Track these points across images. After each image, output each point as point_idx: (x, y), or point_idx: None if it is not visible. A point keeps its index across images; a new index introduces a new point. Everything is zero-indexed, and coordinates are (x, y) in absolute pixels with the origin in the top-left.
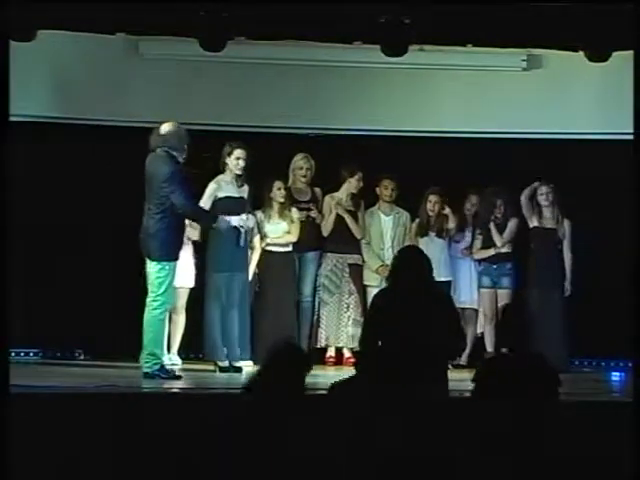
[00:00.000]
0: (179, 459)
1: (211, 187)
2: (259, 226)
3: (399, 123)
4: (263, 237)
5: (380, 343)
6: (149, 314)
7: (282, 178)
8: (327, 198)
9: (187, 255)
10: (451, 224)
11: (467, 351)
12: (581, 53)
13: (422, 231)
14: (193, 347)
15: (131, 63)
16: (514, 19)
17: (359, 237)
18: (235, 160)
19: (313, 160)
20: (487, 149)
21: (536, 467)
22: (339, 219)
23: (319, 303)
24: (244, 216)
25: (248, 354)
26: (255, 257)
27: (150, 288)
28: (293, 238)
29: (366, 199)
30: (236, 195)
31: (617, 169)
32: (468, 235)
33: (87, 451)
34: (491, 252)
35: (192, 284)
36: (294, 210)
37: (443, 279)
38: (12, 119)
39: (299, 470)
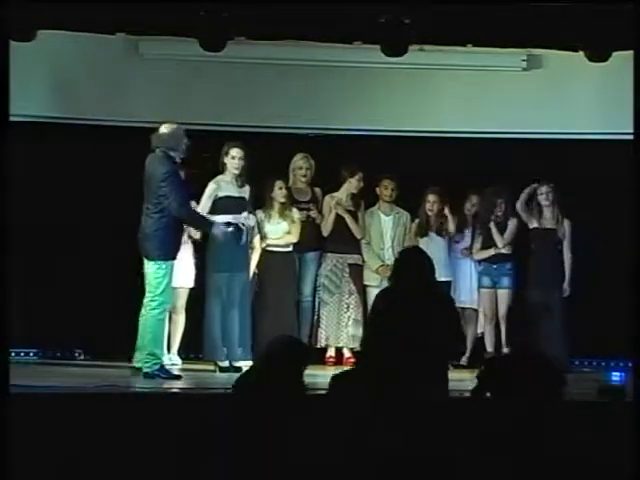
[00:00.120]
0: (179, 459)
1: (210, 187)
2: (259, 226)
3: (399, 123)
4: (263, 237)
5: (381, 343)
6: (148, 314)
7: (283, 178)
8: (327, 198)
9: (187, 255)
10: (451, 224)
11: (467, 351)
12: (581, 53)
13: (422, 231)
14: (193, 347)
15: (131, 63)
16: (514, 19)
17: (359, 237)
18: (232, 159)
19: (313, 160)
20: (487, 149)
21: (536, 467)
22: (339, 219)
23: (319, 303)
24: (245, 214)
25: (249, 354)
26: (255, 257)
27: (148, 288)
28: (294, 239)
29: (366, 199)
30: (236, 195)
31: (617, 169)
32: (468, 235)
33: (87, 451)
34: (491, 252)
35: (192, 284)
36: (294, 210)
37: (443, 279)
38: (12, 119)
39: (299, 470)
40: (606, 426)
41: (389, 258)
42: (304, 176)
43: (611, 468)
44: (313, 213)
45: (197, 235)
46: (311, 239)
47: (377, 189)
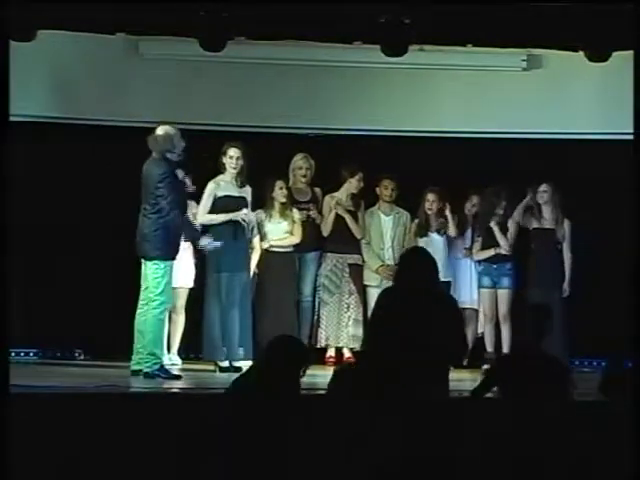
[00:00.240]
0: (179, 459)
1: (210, 187)
2: (259, 226)
3: (399, 123)
4: (263, 237)
5: (382, 342)
6: (148, 314)
7: (283, 178)
8: (327, 198)
9: (187, 255)
10: (451, 225)
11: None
12: (581, 53)
13: (422, 231)
14: (193, 347)
15: (131, 63)
16: (514, 19)
17: (359, 237)
18: (230, 159)
19: (313, 160)
20: (487, 149)
21: (536, 467)
22: (339, 219)
23: (319, 303)
24: (245, 210)
25: (250, 354)
26: (255, 257)
27: (148, 289)
28: (296, 239)
29: (366, 199)
30: (236, 194)
31: (617, 169)
32: (468, 235)
33: (87, 451)
34: (491, 252)
35: (192, 284)
36: (295, 210)
37: (443, 279)
38: (12, 119)
39: (299, 470)
40: (606, 426)
41: (389, 258)
42: (304, 176)
43: (611, 468)
44: (313, 213)
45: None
46: (311, 239)
47: (377, 189)
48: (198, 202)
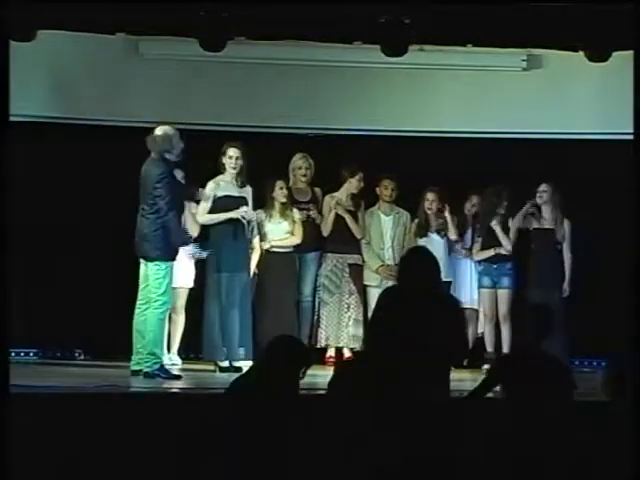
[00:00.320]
0: (179, 459)
1: (209, 187)
2: (259, 226)
3: (399, 123)
4: (263, 237)
5: (382, 342)
6: (150, 313)
7: (283, 178)
8: (327, 198)
9: (187, 255)
10: (451, 226)
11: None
12: (581, 53)
13: (421, 231)
14: (193, 347)
15: (131, 63)
16: (514, 19)
17: (359, 237)
18: (229, 159)
19: (312, 159)
20: (487, 149)
21: (536, 467)
22: (339, 219)
23: (319, 303)
24: (244, 208)
25: (251, 354)
26: (255, 257)
27: (150, 289)
28: (297, 240)
29: (366, 199)
30: (236, 194)
31: (617, 169)
32: (468, 235)
33: (87, 451)
34: (491, 252)
35: (192, 284)
36: (295, 211)
37: (443, 279)
38: (12, 119)
39: (299, 470)
40: (606, 426)
41: (389, 258)
42: (304, 175)
43: (611, 468)
44: (313, 213)
45: (195, 234)
46: (311, 239)
47: (377, 189)
48: (198, 202)
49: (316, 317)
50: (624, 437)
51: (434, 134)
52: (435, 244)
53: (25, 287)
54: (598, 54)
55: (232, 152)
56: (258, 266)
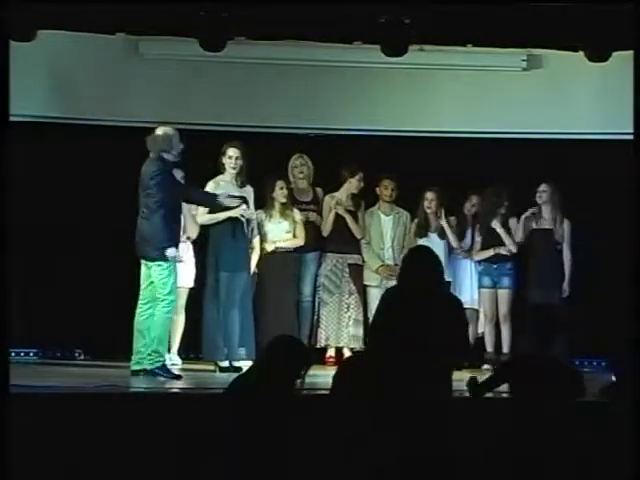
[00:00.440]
0: (179, 459)
1: (209, 186)
2: (259, 226)
3: (399, 123)
4: (263, 237)
5: (383, 342)
6: (158, 313)
7: (284, 178)
8: (327, 198)
9: (187, 255)
10: (448, 232)
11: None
12: (581, 53)
13: (421, 231)
14: (193, 347)
15: (131, 63)
16: (514, 19)
17: (359, 237)
18: (229, 159)
19: (309, 159)
20: (487, 149)
21: (536, 467)
22: (339, 219)
23: (319, 303)
24: (244, 206)
25: (252, 354)
26: (255, 257)
27: (155, 289)
28: (300, 242)
29: (366, 199)
30: (236, 194)
31: (617, 169)
32: (468, 235)
33: (87, 451)
34: (491, 252)
35: (192, 284)
36: (296, 211)
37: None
38: (12, 119)
39: (299, 470)
40: (606, 426)
41: (389, 258)
42: (301, 173)
43: (611, 468)
44: (312, 216)
45: (194, 235)
46: (311, 239)
47: (377, 189)
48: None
49: (316, 317)
50: (624, 437)
51: (434, 134)
52: (435, 244)
53: (25, 287)
54: (598, 54)
55: (232, 152)
56: (258, 266)
